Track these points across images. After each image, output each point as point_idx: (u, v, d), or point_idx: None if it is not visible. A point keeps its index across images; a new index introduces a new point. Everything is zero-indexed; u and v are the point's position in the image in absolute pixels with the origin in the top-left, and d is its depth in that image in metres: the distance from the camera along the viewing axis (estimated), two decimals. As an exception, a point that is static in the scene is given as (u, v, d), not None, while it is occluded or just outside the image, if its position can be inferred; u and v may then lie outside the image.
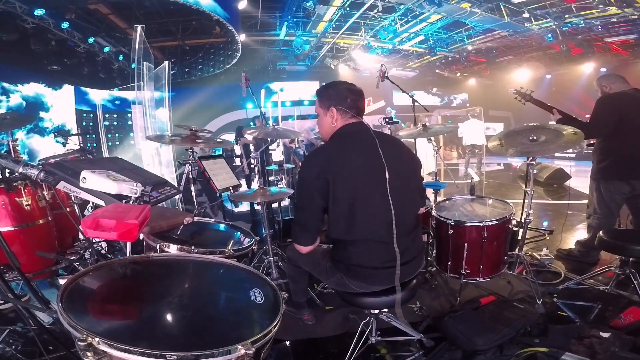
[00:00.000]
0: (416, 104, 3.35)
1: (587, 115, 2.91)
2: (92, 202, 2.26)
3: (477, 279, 2.45)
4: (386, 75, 3.31)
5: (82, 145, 5.18)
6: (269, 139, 4.02)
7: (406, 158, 1.79)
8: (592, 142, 3.03)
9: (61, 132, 6.08)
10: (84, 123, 9.25)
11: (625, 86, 2.83)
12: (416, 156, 1.87)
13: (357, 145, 1.68)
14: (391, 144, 1.74)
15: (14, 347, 1.97)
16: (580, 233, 3.83)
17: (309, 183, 1.66)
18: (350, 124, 1.73)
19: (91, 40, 7.53)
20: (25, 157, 6.92)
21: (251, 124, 6.51)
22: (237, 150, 5.91)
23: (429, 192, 3.08)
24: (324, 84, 1.89)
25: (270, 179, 4.40)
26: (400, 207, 1.65)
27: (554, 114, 2.93)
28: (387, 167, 1.62)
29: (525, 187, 2.63)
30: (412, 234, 1.74)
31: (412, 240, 1.75)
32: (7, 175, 2.30)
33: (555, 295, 2.52)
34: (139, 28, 5.24)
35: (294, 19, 9.36)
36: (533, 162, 2.54)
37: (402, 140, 2.04)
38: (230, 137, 8.66)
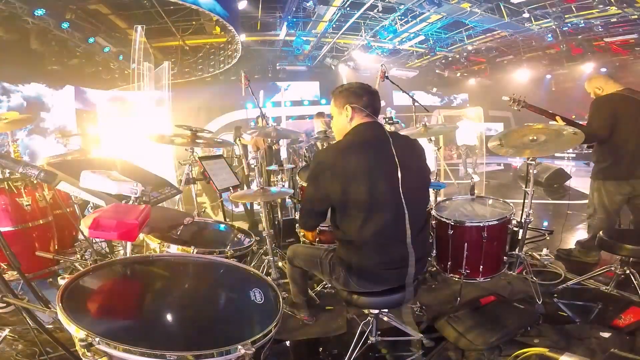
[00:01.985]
0: (416, 104, 3.35)
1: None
2: (92, 202, 2.26)
3: (477, 279, 2.45)
4: (386, 75, 3.31)
5: (82, 145, 5.19)
6: (269, 139, 4.01)
7: (419, 159, 1.78)
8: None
9: (62, 133, 6.08)
10: (84, 123, 9.24)
11: (617, 86, 2.83)
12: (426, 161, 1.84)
13: (371, 144, 1.67)
14: (405, 144, 1.74)
15: (14, 347, 1.97)
16: (580, 233, 3.83)
17: (318, 178, 1.68)
18: (365, 122, 1.73)
19: (91, 40, 7.52)
20: (26, 158, 6.92)
21: (252, 122, 6.48)
22: (237, 150, 5.89)
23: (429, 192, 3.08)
24: (340, 85, 1.87)
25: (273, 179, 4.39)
26: (414, 207, 1.65)
27: (557, 120, 2.89)
28: (399, 166, 1.61)
29: (525, 187, 2.63)
30: (421, 234, 1.74)
31: (421, 241, 1.75)
32: (7, 175, 2.30)
33: (555, 295, 2.52)
34: (139, 28, 5.23)
35: (294, 19, 9.34)
36: (533, 162, 2.54)
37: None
38: (230, 137, 8.65)
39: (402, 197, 1.61)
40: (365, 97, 1.74)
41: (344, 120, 1.76)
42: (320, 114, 5.91)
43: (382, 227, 1.62)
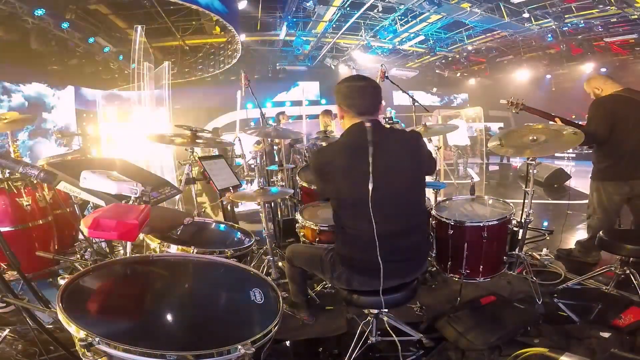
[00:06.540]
0: (416, 104, 3.35)
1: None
2: (92, 202, 2.26)
3: (477, 279, 2.45)
4: (386, 75, 3.31)
5: (82, 145, 5.19)
6: (269, 139, 4.02)
7: (409, 160, 1.70)
8: None
9: (62, 133, 6.08)
10: (84, 123, 9.25)
11: (617, 87, 2.82)
12: (424, 157, 1.77)
13: (348, 148, 1.67)
14: (393, 144, 1.67)
15: (14, 347, 1.97)
16: (580, 233, 3.83)
17: (316, 173, 1.77)
18: (352, 125, 1.69)
19: (91, 40, 7.52)
20: (27, 159, 6.92)
21: (253, 122, 6.45)
22: (237, 150, 5.89)
23: (429, 192, 3.08)
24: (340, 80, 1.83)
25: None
26: (388, 215, 1.62)
27: (556, 122, 2.87)
28: (372, 174, 1.56)
29: (525, 187, 2.63)
30: (414, 235, 1.73)
31: (415, 241, 1.74)
32: (7, 175, 2.30)
33: (555, 295, 2.52)
34: (139, 28, 5.22)
35: (294, 19, 9.36)
36: (533, 162, 2.54)
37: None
38: (230, 137, 8.65)
39: (370, 202, 1.56)
40: (350, 95, 1.70)
41: (341, 120, 1.77)
42: (326, 113, 5.30)
43: (361, 229, 1.63)
